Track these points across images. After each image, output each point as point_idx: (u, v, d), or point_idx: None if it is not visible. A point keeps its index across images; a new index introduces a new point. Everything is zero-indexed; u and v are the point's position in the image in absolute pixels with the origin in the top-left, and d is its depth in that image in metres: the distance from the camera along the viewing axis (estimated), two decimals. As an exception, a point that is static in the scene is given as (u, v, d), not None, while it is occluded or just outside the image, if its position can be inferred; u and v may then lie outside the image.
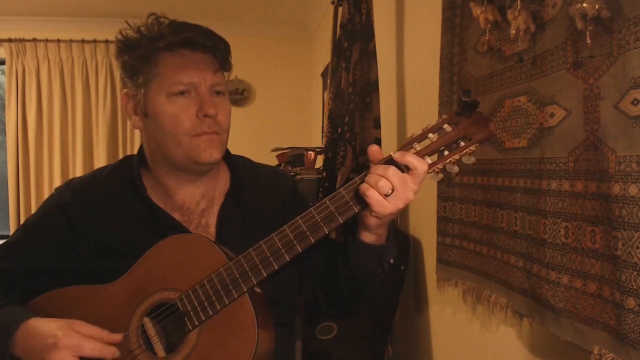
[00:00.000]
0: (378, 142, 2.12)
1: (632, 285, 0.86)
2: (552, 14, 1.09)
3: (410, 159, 0.84)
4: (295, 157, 2.87)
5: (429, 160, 0.86)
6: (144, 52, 0.95)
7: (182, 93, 0.95)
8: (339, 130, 2.20)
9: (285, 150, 2.99)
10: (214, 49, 0.97)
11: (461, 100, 0.85)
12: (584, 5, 0.92)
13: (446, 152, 0.86)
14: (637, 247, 0.85)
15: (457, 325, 1.70)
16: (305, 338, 1.95)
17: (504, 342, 1.39)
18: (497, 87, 1.31)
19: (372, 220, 0.89)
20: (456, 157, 0.86)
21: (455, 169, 0.87)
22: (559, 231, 1.06)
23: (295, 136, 4.31)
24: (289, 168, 2.74)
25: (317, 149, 2.77)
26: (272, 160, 2.83)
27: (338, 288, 1.04)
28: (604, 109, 0.94)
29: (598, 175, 0.95)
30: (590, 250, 0.98)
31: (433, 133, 0.87)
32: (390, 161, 0.86)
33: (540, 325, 1.13)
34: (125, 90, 1.00)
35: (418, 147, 0.87)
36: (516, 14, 1.15)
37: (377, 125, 2.12)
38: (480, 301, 1.43)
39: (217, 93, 0.99)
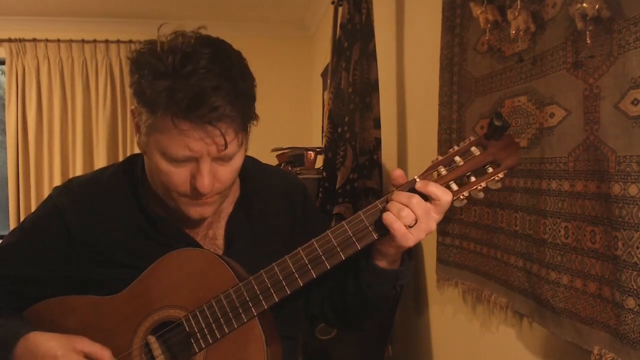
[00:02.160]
0: (378, 142, 2.12)
1: (632, 285, 0.86)
2: (552, 14, 1.09)
3: (433, 189, 0.80)
4: (295, 157, 2.87)
5: (454, 186, 0.83)
6: (148, 100, 0.79)
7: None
8: (339, 130, 2.20)
9: (285, 150, 2.98)
10: (231, 123, 0.80)
11: (492, 124, 0.80)
12: (584, 5, 0.92)
13: (473, 178, 0.82)
14: (637, 247, 0.85)
15: (457, 325, 1.70)
16: (306, 338, 1.95)
17: (504, 342, 1.38)
18: (497, 87, 1.31)
19: (390, 250, 0.86)
20: (483, 184, 0.82)
21: (481, 195, 0.84)
22: (559, 231, 1.06)
23: (295, 136, 4.31)
24: (289, 168, 2.74)
25: (317, 149, 2.77)
26: (272, 160, 2.83)
27: (347, 305, 1.00)
28: (604, 109, 0.94)
29: (598, 175, 0.95)
30: (590, 250, 0.98)
31: (460, 156, 0.83)
32: (412, 189, 0.82)
33: (540, 325, 1.13)
34: (132, 108, 0.88)
35: (444, 171, 0.83)
36: (516, 14, 1.15)
37: (377, 125, 2.12)
38: (480, 301, 1.43)
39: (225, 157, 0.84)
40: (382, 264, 0.90)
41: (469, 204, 1.48)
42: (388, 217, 0.81)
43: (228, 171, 0.87)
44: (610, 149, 0.92)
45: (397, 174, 0.85)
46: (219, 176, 0.85)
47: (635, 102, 0.86)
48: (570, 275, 1.03)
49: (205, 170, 0.82)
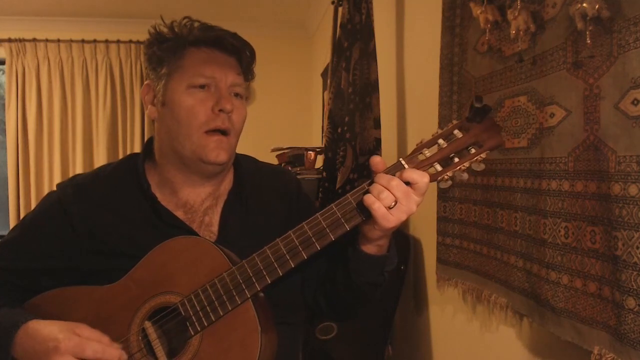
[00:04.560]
0: (378, 142, 2.12)
1: (632, 285, 0.86)
2: (552, 14, 1.09)
3: (410, 174, 0.83)
4: (295, 157, 2.87)
5: (438, 167, 0.85)
6: (172, 45, 0.99)
7: (202, 87, 0.97)
8: (339, 130, 2.20)
9: (285, 150, 2.98)
10: (240, 52, 1.01)
11: (473, 106, 0.83)
12: (584, 5, 0.92)
13: (456, 159, 0.85)
14: (637, 247, 0.85)
15: (457, 325, 1.70)
16: (306, 338, 1.95)
17: (504, 342, 1.38)
18: (497, 87, 1.31)
19: (374, 233, 0.89)
20: (466, 164, 0.85)
21: (465, 176, 0.86)
22: (559, 231, 1.06)
23: (295, 136, 4.31)
24: (289, 168, 2.74)
25: (317, 149, 2.77)
26: (272, 160, 2.83)
27: (338, 293, 1.03)
28: (604, 109, 0.94)
29: (598, 175, 0.95)
30: (590, 250, 0.98)
31: (443, 139, 0.85)
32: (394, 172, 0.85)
33: (540, 325, 1.13)
34: (147, 81, 1.03)
35: (428, 153, 0.86)
36: (516, 14, 1.15)
37: (377, 125, 2.12)
38: (480, 301, 1.43)
39: (236, 95, 1.01)
40: (368, 249, 0.93)
41: (469, 203, 1.48)
42: (368, 198, 0.84)
43: (240, 109, 1.01)
44: (610, 149, 0.92)
45: (376, 160, 0.88)
46: (234, 109, 0.98)
47: (635, 102, 0.86)
48: (570, 275, 1.03)
49: (225, 89, 0.98)
